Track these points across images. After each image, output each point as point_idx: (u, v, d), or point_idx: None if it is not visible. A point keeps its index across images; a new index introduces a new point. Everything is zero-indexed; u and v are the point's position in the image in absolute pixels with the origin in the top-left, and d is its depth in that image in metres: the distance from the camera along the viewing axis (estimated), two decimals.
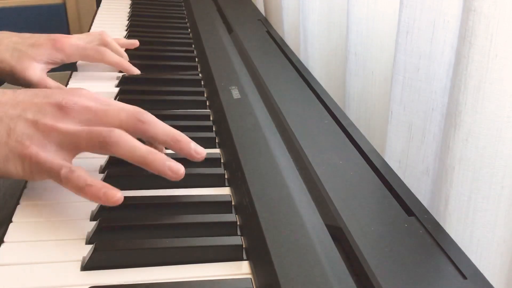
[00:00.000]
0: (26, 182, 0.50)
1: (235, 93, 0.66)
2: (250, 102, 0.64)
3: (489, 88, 0.42)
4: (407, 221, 0.43)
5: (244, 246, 0.43)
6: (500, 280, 0.48)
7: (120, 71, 0.77)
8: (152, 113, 0.49)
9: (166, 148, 0.53)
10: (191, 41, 0.93)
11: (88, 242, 0.43)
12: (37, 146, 0.45)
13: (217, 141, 0.60)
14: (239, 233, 0.45)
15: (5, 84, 0.73)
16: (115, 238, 0.43)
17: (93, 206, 0.46)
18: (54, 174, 0.44)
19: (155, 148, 0.52)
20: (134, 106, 0.50)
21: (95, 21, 1.07)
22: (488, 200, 0.45)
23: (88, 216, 0.46)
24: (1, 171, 0.45)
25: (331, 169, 0.50)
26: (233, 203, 0.49)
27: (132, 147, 0.45)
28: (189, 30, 1.01)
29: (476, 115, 0.43)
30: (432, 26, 0.50)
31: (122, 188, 0.49)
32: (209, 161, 0.51)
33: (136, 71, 0.76)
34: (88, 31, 1.00)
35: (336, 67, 0.80)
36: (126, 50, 0.81)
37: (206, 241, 0.42)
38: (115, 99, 0.68)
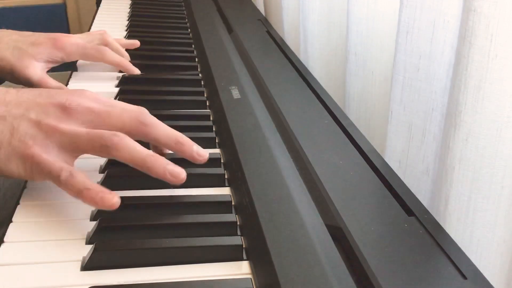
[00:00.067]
0: (26, 182, 0.50)
1: (235, 93, 0.66)
2: (250, 102, 0.64)
3: (489, 88, 0.42)
4: (407, 221, 0.43)
5: (244, 246, 0.43)
6: (500, 280, 0.48)
7: (120, 71, 0.77)
8: (152, 113, 0.49)
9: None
10: (191, 41, 0.93)
11: (88, 242, 0.43)
12: (40, 146, 0.45)
13: (217, 141, 0.60)
14: (239, 233, 0.45)
15: (6, 82, 0.73)
16: (115, 238, 0.43)
17: None
18: (54, 176, 0.44)
19: (160, 150, 0.52)
20: (138, 107, 0.50)
21: (95, 21, 1.07)
22: (488, 200, 0.45)
23: (88, 216, 0.46)
24: (2, 170, 0.45)
25: (331, 169, 0.50)
26: (233, 203, 0.49)
27: (132, 150, 0.45)
28: (189, 30, 1.01)
29: (476, 115, 0.43)
30: (432, 26, 0.50)
31: (122, 188, 0.49)
32: (209, 161, 0.51)
33: (136, 71, 0.76)
34: (88, 31, 1.00)
35: (336, 67, 0.80)
36: (126, 50, 0.81)
37: (206, 241, 0.42)
38: (115, 99, 0.68)
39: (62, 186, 0.44)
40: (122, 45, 0.82)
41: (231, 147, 0.55)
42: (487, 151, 0.44)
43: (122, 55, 0.78)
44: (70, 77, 0.76)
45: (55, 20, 1.98)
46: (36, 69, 0.68)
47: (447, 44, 0.50)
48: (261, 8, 1.13)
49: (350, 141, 0.56)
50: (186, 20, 1.07)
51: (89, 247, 0.41)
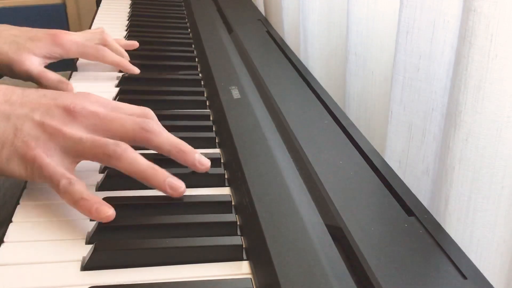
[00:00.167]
0: (26, 182, 0.50)
1: (235, 93, 0.66)
2: (250, 102, 0.64)
3: (489, 88, 0.42)
4: (407, 221, 0.43)
5: (244, 246, 0.43)
6: (500, 280, 0.48)
7: (120, 71, 0.77)
8: None
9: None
10: (191, 41, 0.93)
11: (88, 242, 0.43)
12: (42, 149, 0.45)
13: (217, 141, 0.60)
14: (239, 233, 0.45)
15: (5, 78, 0.73)
16: (115, 238, 0.43)
17: None
18: (53, 182, 0.44)
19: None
20: (143, 111, 0.50)
21: (95, 21, 1.07)
22: (488, 200, 0.45)
23: None
24: (3, 170, 0.45)
25: (331, 169, 0.50)
26: (233, 203, 0.49)
27: (133, 162, 0.45)
28: (189, 30, 1.00)
29: (476, 115, 0.43)
30: (432, 26, 0.50)
31: (122, 188, 0.49)
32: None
33: (136, 70, 0.76)
34: None
35: (336, 67, 0.80)
36: (126, 51, 0.81)
37: (206, 241, 0.42)
38: (115, 99, 0.68)
39: (60, 193, 0.44)
40: (121, 46, 0.82)
41: (231, 147, 0.55)
42: (487, 151, 0.44)
43: (121, 55, 0.78)
44: (70, 77, 0.76)
45: (55, 20, 1.98)
46: (34, 64, 0.68)
47: (447, 44, 0.50)
48: (261, 8, 1.13)
49: (350, 141, 0.56)
50: (186, 20, 1.07)
51: (89, 247, 0.41)
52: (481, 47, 0.41)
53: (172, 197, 0.46)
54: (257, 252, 0.41)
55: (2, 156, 0.45)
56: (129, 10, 1.14)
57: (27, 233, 0.44)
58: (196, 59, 0.85)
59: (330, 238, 0.41)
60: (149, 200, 0.47)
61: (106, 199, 0.45)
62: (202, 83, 0.75)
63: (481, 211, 0.46)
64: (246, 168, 0.50)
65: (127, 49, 0.83)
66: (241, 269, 0.41)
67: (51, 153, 0.45)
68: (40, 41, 0.69)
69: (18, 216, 0.46)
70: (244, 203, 0.46)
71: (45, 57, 0.70)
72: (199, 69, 0.81)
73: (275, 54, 0.83)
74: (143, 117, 0.50)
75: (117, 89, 0.71)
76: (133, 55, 0.81)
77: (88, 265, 0.40)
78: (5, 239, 0.43)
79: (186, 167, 0.50)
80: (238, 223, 0.46)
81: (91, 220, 0.45)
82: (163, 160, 0.49)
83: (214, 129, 0.62)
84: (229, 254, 0.42)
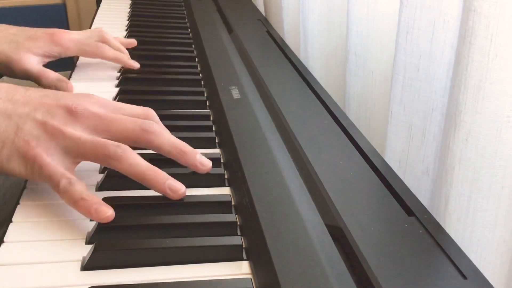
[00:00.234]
0: (26, 182, 0.50)
1: (235, 93, 0.66)
2: (250, 102, 0.64)
3: (489, 88, 0.42)
4: (407, 221, 0.43)
5: (244, 246, 0.43)
6: (500, 280, 0.48)
7: (120, 71, 0.77)
8: None
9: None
10: (191, 41, 0.93)
11: (88, 242, 0.43)
12: (43, 148, 0.45)
13: (217, 141, 0.60)
14: (239, 233, 0.45)
15: (3, 78, 0.73)
16: (115, 238, 0.43)
17: None
18: (53, 182, 0.44)
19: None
20: (145, 111, 0.50)
21: (95, 21, 1.07)
22: (488, 200, 0.45)
23: None
24: (3, 168, 0.45)
25: (331, 169, 0.50)
26: (233, 203, 0.49)
27: (133, 164, 0.45)
28: (189, 30, 1.00)
29: (476, 115, 0.43)
30: (432, 26, 0.50)
31: (122, 188, 0.49)
32: None
33: (136, 65, 0.76)
34: None
35: (336, 67, 0.80)
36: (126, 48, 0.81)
37: (206, 241, 0.42)
38: (115, 99, 0.68)
39: (60, 193, 0.44)
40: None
41: (231, 147, 0.55)
42: (487, 151, 0.44)
43: (121, 52, 0.78)
44: (70, 77, 0.76)
45: (55, 20, 1.98)
46: (33, 62, 0.68)
47: (447, 44, 0.50)
48: (261, 8, 1.13)
49: (350, 141, 0.56)
50: (186, 20, 1.07)
51: (89, 247, 0.41)
52: (481, 47, 0.41)
53: (171, 198, 0.46)
54: (257, 252, 0.41)
55: (2, 155, 0.45)
56: (129, 10, 1.14)
57: (27, 233, 0.44)
58: (196, 59, 0.85)
59: (330, 238, 0.41)
60: (149, 200, 0.47)
61: (106, 199, 0.45)
62: (202, 83, 0.75)
63: (481, 211, 0.46)
64: (246, 168, 0.50)
65: (125, 47, 0.83)
66: (241, 269, 0.41)
67: (51, 153, 0.45)
68: (39, 40, 0.69)
69: (18, 216, 0.46)
70: (244, 203, 0.46)
71: (44, 55, 0.70)
72: (199, 69, 0.81)
73: (275, 54, 0.83)
74: (145, 117, 0.50)
75: (117, 89, 0.71)
76: (133, 55, 0.81)
77: (88, 265, 0.40)
78: (5, 239, 0.43)
79: (186, 167, 0.50)
80: (238, 223, 0.46)
81: (91, 220, 0.45)
82: (163, 160, 0.49)
83: (214, 129, 0.62)
84: (229, 254, 0.42)
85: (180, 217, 0.45)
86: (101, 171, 0.52)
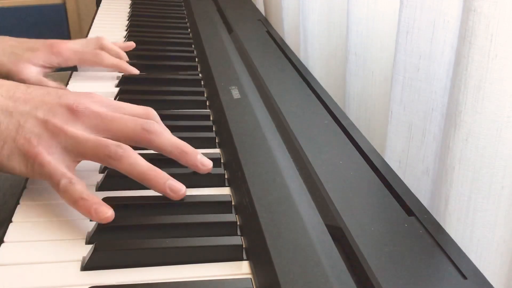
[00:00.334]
0: (26, 182, 0.50)
1: (235, 93, 0.66)
2: (250, 102, 0.64)
3: (489, 88, 0.42)
4: (407, 221, 0.43)
5: (244, 246, 0.43)
6: (500, 280, 0.48)
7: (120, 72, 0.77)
8: None
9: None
10: (191, 41, 0.93)
11: (88, 242, 0.43)
12: (44, 147, 0.45)
13: (217, 141, 0.60)
14: (239, 233, 0.45)
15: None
16: (115, 238, 0.43)
17: None
18: (54, 181, 0.44)
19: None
20: (146, 111, 0.50)
21: (95, 21, 1.07)
22: (488, 200, 0.45)
23: None
24: (4, 166, 0.45)
25: (331, 169, 0.50)
26: (233, 203, 0.49)
27: (133, 163, 0.45)
28: (189, 30, 1.01)
29: (476, 115, 0.43)
30: (432, 26, 0.50)
31: (122, 188, 0.49)
32: None
33: (135, 71, 0.76)
34: (88, 31, 1.00)
35: (336, 67, 0.80)
36: (125, 51, 0.81)
37: (206, 241, 0.42)
38: (115, 99, 0.68)
39: (60, 192, 0.44)
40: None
41: (231, 147, 0.55)
42: (487, 151, 0.44)
43: (120, 57, 0.78)
44: (70, 77, 0.77)
45: (55, 20, 1.98)
46: (33, 72, 0.69)
47: (447, 44, 0.50)
48: (261, 8, 1.13)
49: (350, 141, 0.56)
50: (186, 20, 1.07)
51: (89, 247, 0.41)
52: (481, 47, 0.41)
53: (172, 199, 0.46)
54: (257, 252, 0.41)
55: (3, 152, 0.45)
56: (129, 10, 1.14)
57: (27, 233, 0.44)
58: (196, 59, 0.85)
59: (330, 238, 0.41)
60: (149, 200, 0.47)
61: (106, 199, 0.45)
62: (202, 83, 0.75)
63: (481, 211, 0.46)
64: (246, 168, 0.50)
65: (124, 50, 0.83)
66: (241, 269, 0.41)
67: (52, 151, 0.45)
68: (38, 51, 0.70)
69: (18, 216, 0.46)
70: (244, 203, 0.46)
71: (44, 66, 0.71)
72: (199, 69, 0.81)
73: (275, 54, 0.83)
74: (146, 117, 0.50)
75: (117, 89, 0.71)
76: (133, 55, 0.81)
77: (88, 265, 0.40)
78: (5, 239, 0.43)
79: (186, 167, 0.50)
80: (238, 223, 0.46)
81: (91, 220, 0.45)
82: (163, 160, 0.49)
83: (214, 129, 0.62)
84: (229, 254, 0.42)
85: (180, 217, 0.45)
86: (101, 171, 0.52)
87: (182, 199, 0.47)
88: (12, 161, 0.45)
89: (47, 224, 0.45)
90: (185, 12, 1.13)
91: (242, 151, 0.53)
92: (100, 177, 0.51)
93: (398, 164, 0.58)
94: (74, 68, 0.79)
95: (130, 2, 1.20)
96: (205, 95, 0.72)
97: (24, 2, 1.93)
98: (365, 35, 0.66)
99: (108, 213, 0.43)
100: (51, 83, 0.69)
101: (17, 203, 0.47)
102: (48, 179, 0.45)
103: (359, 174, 0.50)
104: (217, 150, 0.58)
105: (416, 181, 0.56)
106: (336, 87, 0.80)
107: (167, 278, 0.40)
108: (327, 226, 0.43)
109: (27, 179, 0.50)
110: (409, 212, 0.45)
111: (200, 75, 0.78)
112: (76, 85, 0.73)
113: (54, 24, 1.98)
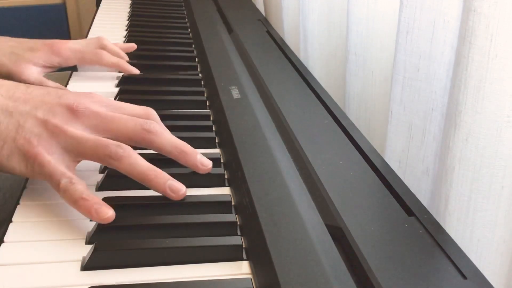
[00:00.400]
0: (26, 182, 0.50)
1: (235, 93, 0.66)
2: (250, 102, 0.64)
3: (489, 88, 0.42)
4: (407, 221, 0.43)
5: (244, 246, 0.43)
6: (500, 280, 0.48)
7: (120, 71, 0.77)
8: None
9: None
10: (191, 41, 0.93)
11: (88, 242, 0.43)
12: (44, 147, 0.45)
13: (217, 141, 0.60)
14: (239, 233, 0.45)
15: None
16: (115, 238, 0.43)
17: None
18: (54, 181, 0.44)
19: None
20: (146, 111, 0.50)
21: (95, 21, 1.07)
22: (488, 200, 0.45)
23: None
24: (4, 166, 0.45)
25: (331, 169, 0.50)
26: (233, 203, 0.49)
27: (133, 163, 0.45)
28: (189, 30, 1.01)
29: (476, 115, 0.43)
30: (432, 26, 0.50)
31: (122, 188, 0.49)
32: None
33: (135, 70, 0.76)
34: (88, 31, 1.00)
35: (336, 67, 0.80)
36: (126, 52, 0.81)
37: (206, 241, 0.42)
38: (115, 99, 0.68)
39: (60, 192, 0.44)
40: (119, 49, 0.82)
41: (231, 147, 0.55)
42: (487, 151, 0.44)
43: (120, 57, 0.78)
44: (70, 77, 0.77)
45: (55, 20, 1.98)
46: (33, 73, 0.69)
47: (447, 44, 0.50)
48: (261, 8, 1.13)
49: (350, 141, 0.56)
50: (186, 20, 1.07)
51: (89, 247, 0.41)
52: (481, 47, 0.41)
53: (172, 199, 0.46)
54: (257, 252, 0.41)
55: (3, 152, 0.45)
56: (129, 10, 1.14)
57: (27, 233, 0.44)
58: (196, 59, 0.85)
59: (330, 238, 0.41)
60: (149, 200, 0.47)
61: (106, 199, 0.45)
62: (202, 83, 0.75)
63: (481, 211, 0.46)
64: (246, 168, 0.50)
65: (125, 51, 0.83)
66: (241, 269, 0.41)
67: (52, 151, 0.45)
68: (39, 51, 0.70)
69: (18, 216, 0.46)
70: (244, 203, 0.46)
71: (44, 66, 0.71)
72: (199, 69, 0.81)
73: (275, 54, 0.83)
74: (146, 117, 0.50)
75: (117, 89, 0.71)
76: (133, 55, 0.81)
77: (88, 265, 0.40)
78: (5, 239, 0.43)
79: (186, 167, 0.50)
80: (238, 223, 0.46)
81: (91, 220, 0.45)
82: (163, 160, 0.49)
83: (214, 129, 0.62)
84: (229, 254, 0.42)
85: (180, 217, 0.45)
86: (101, 171, 0.52)
87: (182, 199, 0.47)
88: (12, 161, 0.45)
89: (47, 224, 0.45)
90: (185, 12, 1.13)
91: (242, 151, 0.53)
92: (100, 177, 0.51)
93: (398, 164, 0.58)
94: (74, 68, 0.79)
95: (130, 2, 1.20)
96: (205, 95, 0.72)
97: (24, 2, 1.93)
98: (365, 35, 0.66)
99: (109, 213, 0.43)
100: (51, 83, 0.69)
101: (17, 203, 0.47)
102: (48, 179, 0.45)
103: (359, 174, 0.50)
104: (217, 150, 0.58)
105: (416, 181, 0.56)
106: (336, 87, 0.80)
107: (167, 278, 0.40)
108: (327, 226, 0.43)
109: (27, 179, 0.50)
110: (409, 212, 0.45)
111: (200, 75, 0.78)
112: (76, 85, 0.73)
113: (54, 24, 1.98)
